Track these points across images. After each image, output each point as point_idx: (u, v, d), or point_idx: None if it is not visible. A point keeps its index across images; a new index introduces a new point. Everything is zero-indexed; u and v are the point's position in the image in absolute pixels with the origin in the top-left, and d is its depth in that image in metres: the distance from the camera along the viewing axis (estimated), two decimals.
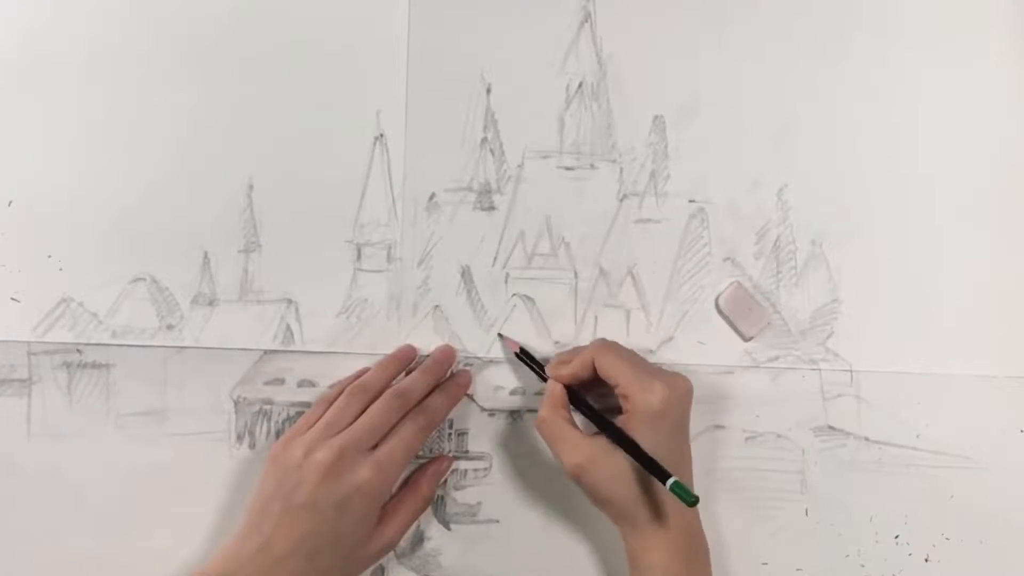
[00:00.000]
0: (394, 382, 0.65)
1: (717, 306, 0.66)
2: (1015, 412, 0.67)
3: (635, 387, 0.59)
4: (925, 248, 0.68)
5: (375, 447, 0.61)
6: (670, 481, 0.56)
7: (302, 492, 0.59)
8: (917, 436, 0.67)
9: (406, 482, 0.65)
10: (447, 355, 0.66)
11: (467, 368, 0.67)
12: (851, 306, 0.67)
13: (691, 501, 0.56)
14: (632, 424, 0.59)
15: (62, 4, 0.67)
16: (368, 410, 0.62)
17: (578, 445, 0.60)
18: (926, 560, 0.66)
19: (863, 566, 0.67)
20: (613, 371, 0.61)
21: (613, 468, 0.59)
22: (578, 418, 0.63)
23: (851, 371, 0.67)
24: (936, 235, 0.68)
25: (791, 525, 0.67)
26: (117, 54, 0.67)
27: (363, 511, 0.60)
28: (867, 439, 0.67)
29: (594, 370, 0.62)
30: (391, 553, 0.65)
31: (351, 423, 0.61)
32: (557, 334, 0.67)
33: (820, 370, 0.67)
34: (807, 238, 0.68)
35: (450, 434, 0.66)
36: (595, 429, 0.61)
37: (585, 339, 0.67)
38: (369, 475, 0.59)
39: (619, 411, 0.61)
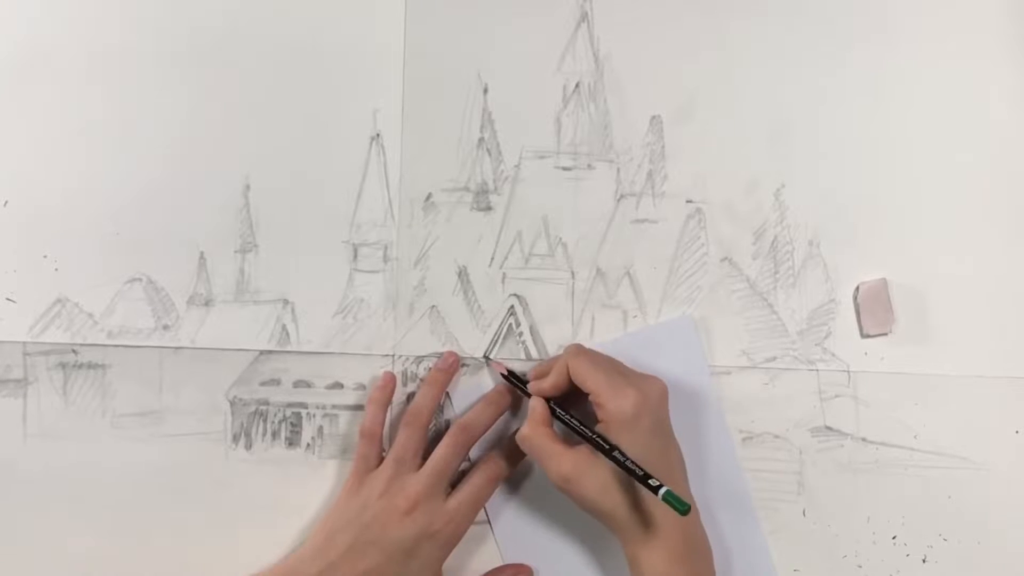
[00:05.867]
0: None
1: (856, 291, 0.66)
2: (1012, 413, 0.67)
3: (607, 394, 0.59)
4: (922, 248, 0.67)
5: (449, 488, 0.63)
6: (662, 492, 0.56)
7: (374, 530, 0.61)
8: (915, 437, 0.67)
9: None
10: (512, 388, 0.66)
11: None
12: (848, 306, 0.67)
13: (683, 510, 0.55)
14: (610, 432, 0.59)
15: (58, 4, 0.67)
16: (436, 450, 0.63)
17: (562, 457, 0.59)
18: (923, 561, 0.66)
19: (860, 567, 0.66)
20: (585, 378, 0.60)
21: (599, 477, 0.59)
22: (563, 432, 0.62)
23: (848, 371, 0.67)
24: (934, 235, 0.67)
25: (788, 525, 0.66)
26: (113, 54, 0.67)
27: (430, 558, 0.61)
28: (864, 440, 0.67)
29: (571, 379, 0.61)
30: None
31: (417, 455, 0.63)
32: (554, 335, 0.67)
33: (817, 370, 0.67)
34: (804, 238, 0.68)
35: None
36: (580, 440, 0.61)
37: (582, 340, 0.67)
38: (441, 526, 0.61)
39: (597, 421, 0.60)
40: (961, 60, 0.68)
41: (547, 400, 0.62)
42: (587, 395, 0.61)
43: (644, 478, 0.57)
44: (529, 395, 0.63)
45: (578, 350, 0.63)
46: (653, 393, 0.60)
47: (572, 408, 0.62)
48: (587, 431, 0.60)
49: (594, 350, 0.63)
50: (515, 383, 0.65)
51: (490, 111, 0.67)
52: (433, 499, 0.62)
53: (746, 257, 0.68)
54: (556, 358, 0.64)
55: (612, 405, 0.59)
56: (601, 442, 0.59)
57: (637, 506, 0.58)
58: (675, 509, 0.55)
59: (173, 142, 0.67)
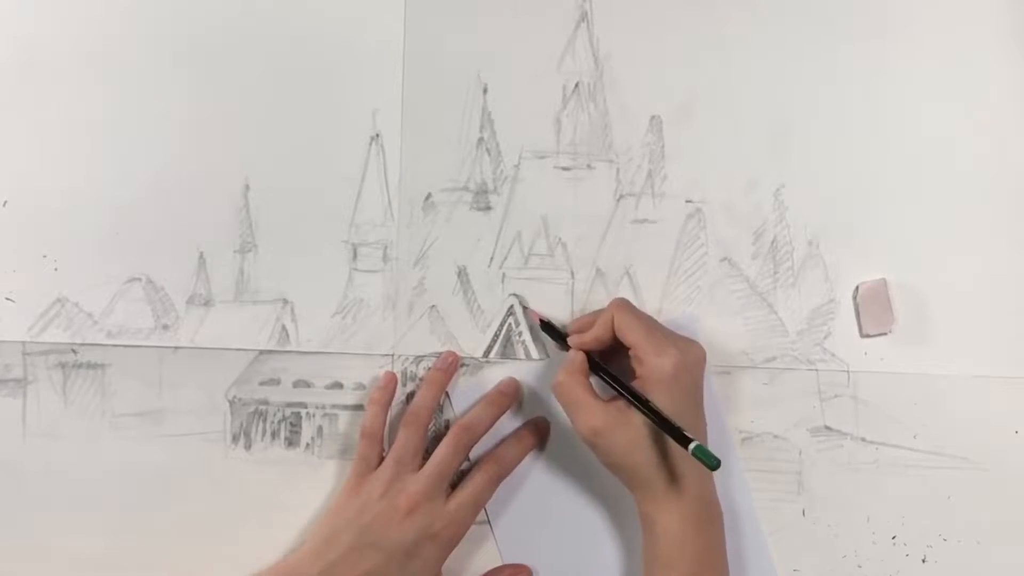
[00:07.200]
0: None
1: (855, 291, 0.66)
2: (1012, 412, 0.67)
3: (649, 350, 0.59)
4: (922, 248, 0.67)
5: (449, 488, 0.63)
6: (692, 445, 0.56)
7: (374, 531, 0.61)
8: (914, 437, 0.67)
9: None
10: (512, 388, 0.66)
11: (543, 418, 0.66)
12: (848, 306, 0.67)
13: (713, 465, 0.55)
14: (645, 388, 0.59)
15: (58, 5, 0.67)
16: (437, 451, 0.63)
17: (594, 409, 0.60)
18: (923, 561, 0.66)
19: (860, 567, 0.66)
20: (629, 332, 0.61)
21: (629, 433, 0.59)
22: (596, 386, 0.62)
23: (848, 371, 0.67)
24: (934, 235, 0.67)
25: (788, 526, 0.66)
26: (113, 54, 0.67)
27: (431, 558, 0.61)
28: (864, 440, 0.67)
29: (614, 333, 0.62)
30: None
31: (417, 455, 0.63)
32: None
33: (817, 370, 0.67)
34: (804, 238, 0.67)
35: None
36: (611, 396, 0.61)
37: None
38: (441, 527, 0.61)
39: (634, 376, 0.61)
40: (960, 60, 0.68)
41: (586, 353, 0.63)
42: (624, 353, 0.61)
43: (678, 431, 0.57)
44: (567, 348, 0.64)
45: (623, 303, 0.63)
46: (692, 356, 0.61)
47: (608, 365, 0.62)
48: (624, 383, 0.60)
49: (635, 307, 0.63)
50: (552, 334, 0.65)
51: (490, 111, 0.67)
52: (433, 500, 0.62)
53: (746, 257, 0.68)
54: (598, 312, 0.64)
55: (653, 361, 0.59)
56: (638, 394, 0.59)
57: (662, 465, 0.59)
58: (705, 464, 0.55)
59: (173, 142, 0.67)
